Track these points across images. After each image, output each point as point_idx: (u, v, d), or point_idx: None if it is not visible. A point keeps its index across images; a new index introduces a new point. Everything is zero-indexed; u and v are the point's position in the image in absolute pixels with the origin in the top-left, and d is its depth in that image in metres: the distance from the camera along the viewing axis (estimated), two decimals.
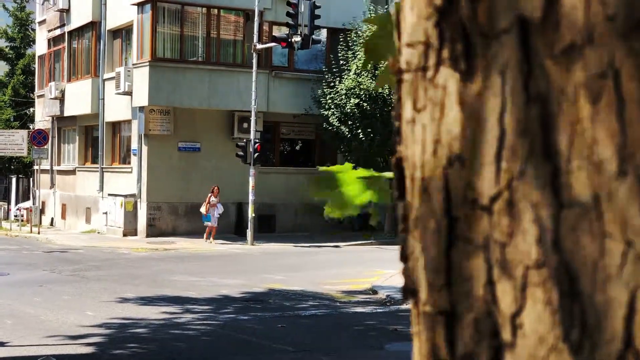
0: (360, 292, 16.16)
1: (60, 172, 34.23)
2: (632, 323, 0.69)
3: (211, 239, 25.54)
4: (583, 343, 0.71)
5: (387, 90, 25.64)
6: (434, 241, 0.86)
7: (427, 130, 0.89)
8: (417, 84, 0.90)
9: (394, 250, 22.42)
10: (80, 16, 31.65)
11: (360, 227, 27.88)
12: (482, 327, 0.80)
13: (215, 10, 27.52)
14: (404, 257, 0.96)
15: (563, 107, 0.73)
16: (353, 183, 1.78)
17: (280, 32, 26.08)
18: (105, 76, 30.15)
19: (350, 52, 27.23)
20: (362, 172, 1.75)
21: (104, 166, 30.32)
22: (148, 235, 26.94)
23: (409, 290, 0.94)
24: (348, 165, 1.79)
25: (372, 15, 24.68)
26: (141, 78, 26.85)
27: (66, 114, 32.86)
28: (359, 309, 14.43)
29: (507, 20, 0.76)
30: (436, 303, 0.86)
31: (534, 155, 0.75)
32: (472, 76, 0.81)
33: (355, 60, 26.67)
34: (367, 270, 18.96)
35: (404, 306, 14.66)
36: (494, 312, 0.79)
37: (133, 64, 27.58)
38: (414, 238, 0.92)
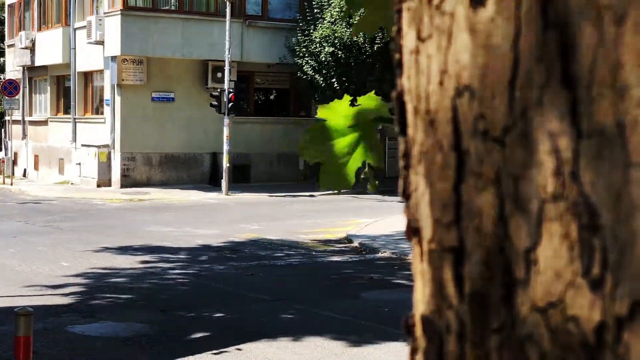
0: (336, 241, 16.20)
1: (32, 122, 33.86)
2: None
3: None
4: (604, 278, 0.68)
5: (361, 39, 25.48)
6: (441, 176, 0.82)
7: (432, 60, 0.84)
8: (421, 12, 0.86)
9: (369, 200, 22.49)
10: None
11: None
12: (493, 263, 0.77)
13: None
14: (406, 194, 0.93)
15: (584, 31, 0.69)
16: (344, 131, 1.76)
17: None
18: (76, 25, 29.68)
19: (324, 0, 26.96)
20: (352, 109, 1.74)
21: (76, 117, 30.00)
22: (122, 186, 26.79)
23: (412, 228, 0.90)
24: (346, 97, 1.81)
25: None
26: (113, 27, 26.48)
27: (37, 63, 32.42)
28: (335, 258, 14.47)
29: None
30: (443, 240, 0.82)
31: (551, 83, 0.71)
32: (483, 1, 0.77)
33: (329, 8, 26.43)
34: (342, 220, 18.99)
35: (379, 254, 14.73)
36: (506, 248, 0.76)
37: (104, 13, 27.17)
38: (417, 174, 0.88)
